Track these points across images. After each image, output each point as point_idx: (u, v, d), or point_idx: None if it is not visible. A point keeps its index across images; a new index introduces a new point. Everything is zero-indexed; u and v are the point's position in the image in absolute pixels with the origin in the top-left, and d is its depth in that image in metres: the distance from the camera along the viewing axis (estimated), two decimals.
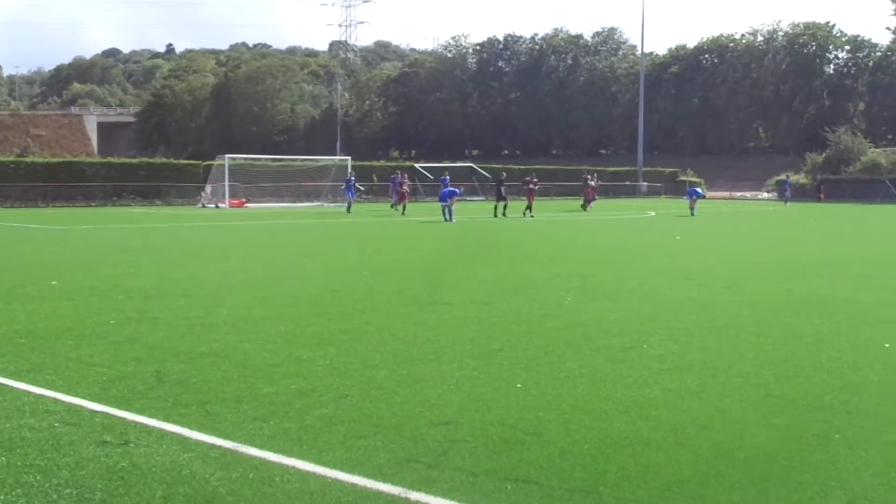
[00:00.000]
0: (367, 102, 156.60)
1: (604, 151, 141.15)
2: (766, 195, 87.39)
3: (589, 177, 57.72)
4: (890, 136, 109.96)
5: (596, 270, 19.58)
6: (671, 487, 5.78)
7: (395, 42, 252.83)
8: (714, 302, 14.32)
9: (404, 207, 48.29)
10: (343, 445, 6.59)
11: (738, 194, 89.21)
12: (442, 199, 41.28)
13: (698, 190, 53.12)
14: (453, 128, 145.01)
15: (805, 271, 19.65)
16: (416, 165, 74.60)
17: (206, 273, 18.46)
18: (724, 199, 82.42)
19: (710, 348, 10.32)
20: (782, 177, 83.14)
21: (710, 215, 48.11)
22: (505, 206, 44.07)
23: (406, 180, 51.36)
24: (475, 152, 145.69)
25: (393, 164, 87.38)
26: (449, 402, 7.79)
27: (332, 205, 62.22)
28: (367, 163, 79.35)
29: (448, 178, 46.24)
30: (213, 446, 6.56)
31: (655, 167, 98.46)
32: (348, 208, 51.36)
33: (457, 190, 43.19)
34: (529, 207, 44.73)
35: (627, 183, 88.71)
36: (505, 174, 49.95)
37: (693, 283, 17.05)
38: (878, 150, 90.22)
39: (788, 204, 65.54)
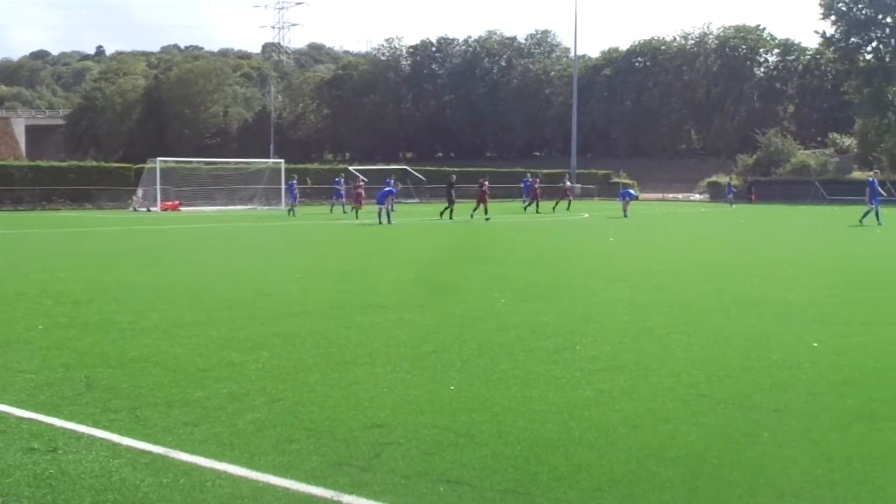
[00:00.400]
0: (301, 105, 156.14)
1: (538, 153, 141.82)
2: (698, 197, 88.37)
3: (534, 179, 58.25)
4: (819, 138, 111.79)
5: (530, 272, 19.64)
6: (602, 487, 5.81)
7: (328, 44, 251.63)
8: (646, 303, 14.43)
9: (354, 210, 47.41)
10: (275, 449, 6.55)
11: (671, 196, 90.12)
12: (379, 202, 41.07)
13: (631, 192, 53.40)
14: (387, 130, 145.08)
15: (736, 272, 19.85)
16: (351, 168, 74.36)
17: (137, 277, 18.25)
18: (657, 200, 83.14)
19: (642, 349, 10.40)
20: (714, 178, 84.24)
21: (642, 217, 48.51)
22: (451, 211, 44.41)
23: (360, 183, 50.52)
24: (409, 155, 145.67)
25: (326, 166, 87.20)
26: (382, 405, 7.77)
27: (266, 208, 61.91)
28: (300, 165, 78.84)
29: (392, 180, 45.52)
30: (143, 452, 6.48)
31: (589, 169, 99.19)
32: (290, 211, 51.06)
33: (393, 189, 43.00)
34: (485, 210, 43.73)
35: (561, 185, 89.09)
36: (455, 176, 49.91)
37: (626, 284, 17.17)
38: (807, 151, 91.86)
39: (729, 206, 65.86)
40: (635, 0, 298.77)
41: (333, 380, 8.72)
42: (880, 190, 40.79)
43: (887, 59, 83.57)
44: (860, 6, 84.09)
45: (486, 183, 46.07)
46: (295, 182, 54.38)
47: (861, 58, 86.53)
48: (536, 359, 9.77)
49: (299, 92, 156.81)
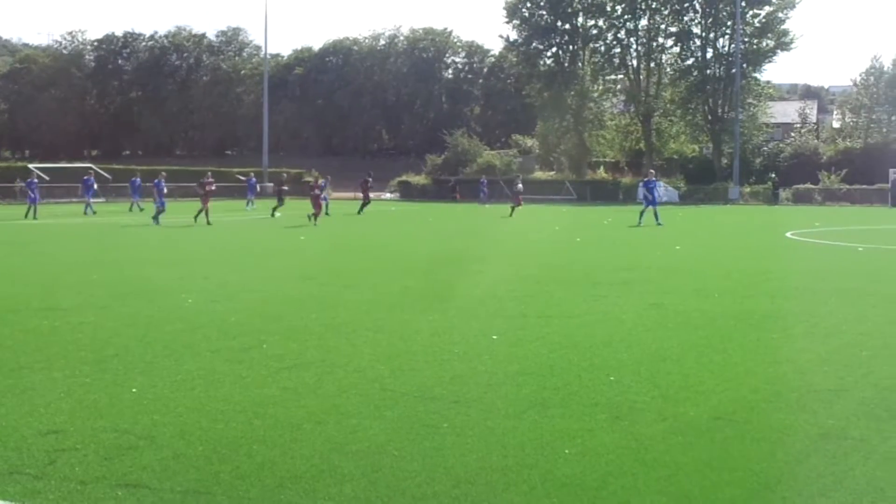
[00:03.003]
0: None
1: (229, 152, 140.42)
2: (388, 195, 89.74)
3: (368, 178, 56.62)
4: (503, 139, 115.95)
5: (219, 272, 19.41)
6: (285, 483, 5.85)
7: (5, 36, 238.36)
8: (334, 300, 14.56)
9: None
10: None
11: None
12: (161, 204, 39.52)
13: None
14: (70, 127, 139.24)
15: (424, 267, 20.32)
16: (31, 166, 70.84)
17: None
18: (349, 199, 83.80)
19: (328, 346, 10.49)
20: (405, 178, 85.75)
21: (334, 216, 48.78)
22: (275, 209, 46.75)
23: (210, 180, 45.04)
24: (94, 152, 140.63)
25: (3, 164, 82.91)
26: (59, 411, 7.50)
27: None
28: None
29: (161, 180, 41.65)
30: None
31: (281, 168, 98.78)
32: (87, 209, 48.37)
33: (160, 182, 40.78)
34: (204, 211, 39.36)
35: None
36: (286, 175, 49.88)
37: (315, 282, 17.29)
38: (492, 152, 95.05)
39: (481, 205, 66.45)
40: (327, 0, 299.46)
41: (6, 386, 8.33)
42: (659, 191, 40.71)
43: (566, 65, 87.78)
44: (541, 12, 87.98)
45: (211, 181, 43.64)
46: (92, 179, 52.13)
47: (542, 62, 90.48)
48: (222, 358, 9.69)
49: None
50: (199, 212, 39.70)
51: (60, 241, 30.16)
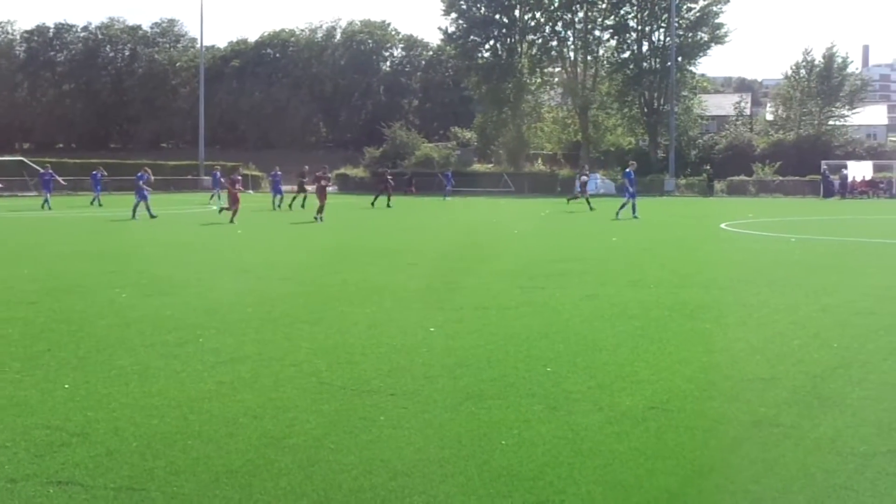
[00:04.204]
0: None
1: (165, 145, 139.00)
2: (330, 189, 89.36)
3: (387, 173, 56.54)
4: (441, 132, 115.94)
5: (153, 266, 19.19)
6: (220, 478, 5.82)
7: None
8: (271, 293, 14.48)
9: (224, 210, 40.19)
10: None
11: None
12: (142, 196, 38.82)
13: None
14: (1, 120, 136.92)
15: (360, 261, 20.27)
16: None
17: None
18: (288, 192, 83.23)
19: (265, 339, 10.44)
20: (343, 170, 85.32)
21: (267, 209, 48.50)
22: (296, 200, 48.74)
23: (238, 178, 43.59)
24: (26, 146, 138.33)
25: None
26: None
27: None
28: None
29: (145, 174, 40.74)
30: None
31: (218, 161, 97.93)
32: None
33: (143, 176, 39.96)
34: (233, 211, 37.31)
35: (189, 177, 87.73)
36: (307, 167, 52.30)
37: (251, 275, 17.19)
38: (430, 144, 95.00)
39: (443, 198, 65.38)
40: None
41: None
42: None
43: (504, 57, 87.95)
44: (479, 5, 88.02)
45: (238, 178, 42.27)
46: (98, 173, 51.70)
47: (480, 55, 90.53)
48: (157, 353, 9.61)
49: None
50: (227, 209, 38.06)
51: None
